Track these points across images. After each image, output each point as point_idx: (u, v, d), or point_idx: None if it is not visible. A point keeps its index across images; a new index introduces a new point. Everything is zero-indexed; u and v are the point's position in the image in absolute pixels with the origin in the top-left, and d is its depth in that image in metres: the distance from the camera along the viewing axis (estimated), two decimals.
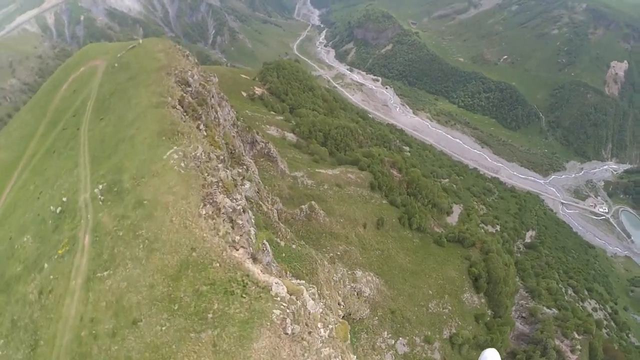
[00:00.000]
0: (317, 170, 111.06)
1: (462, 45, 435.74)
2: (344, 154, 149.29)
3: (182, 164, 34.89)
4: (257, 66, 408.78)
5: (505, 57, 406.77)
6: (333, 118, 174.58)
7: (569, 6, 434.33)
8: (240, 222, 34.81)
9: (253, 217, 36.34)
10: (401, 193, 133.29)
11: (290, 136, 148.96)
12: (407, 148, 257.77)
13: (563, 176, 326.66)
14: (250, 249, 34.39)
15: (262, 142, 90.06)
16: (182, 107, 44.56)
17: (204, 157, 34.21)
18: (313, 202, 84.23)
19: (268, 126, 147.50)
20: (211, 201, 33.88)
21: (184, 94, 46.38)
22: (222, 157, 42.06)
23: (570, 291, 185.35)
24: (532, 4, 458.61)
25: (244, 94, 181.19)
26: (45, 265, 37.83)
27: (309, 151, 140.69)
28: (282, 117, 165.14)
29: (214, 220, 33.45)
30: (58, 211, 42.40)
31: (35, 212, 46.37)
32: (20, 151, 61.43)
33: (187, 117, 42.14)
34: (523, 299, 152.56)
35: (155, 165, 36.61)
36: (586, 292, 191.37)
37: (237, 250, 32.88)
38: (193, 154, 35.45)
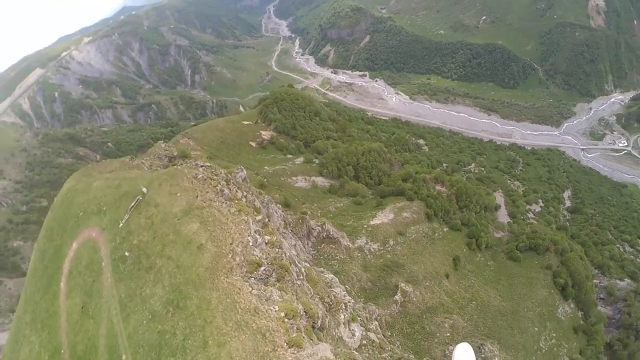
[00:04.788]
0: (371, 222, 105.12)
1: (438, 17, 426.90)
2: (381, 183, 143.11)
3: None
4: (241, 94, 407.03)
5: (484, 17, 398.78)
6: (354, 144, 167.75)
7: None
8: None
9: None
10: (455, 211, 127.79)
11: (321, 181, 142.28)
12: (422, 142, 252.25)
13: (575, 121, 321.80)
14: None
15: (318, 226, 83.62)
16: None
17: None
18: (402, 286, 78.13)
19: (294, 178, 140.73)
20: None
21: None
22: None
23: (627, 247, 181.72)
24: None
25: (253, 144, 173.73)
26: None
27: (346, 193, 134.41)
28: (302, 159, 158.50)
29: None
30: None
31: None
32: None
33: None
34: (595, 278, 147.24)
35: None
36: None
37: None
38: None
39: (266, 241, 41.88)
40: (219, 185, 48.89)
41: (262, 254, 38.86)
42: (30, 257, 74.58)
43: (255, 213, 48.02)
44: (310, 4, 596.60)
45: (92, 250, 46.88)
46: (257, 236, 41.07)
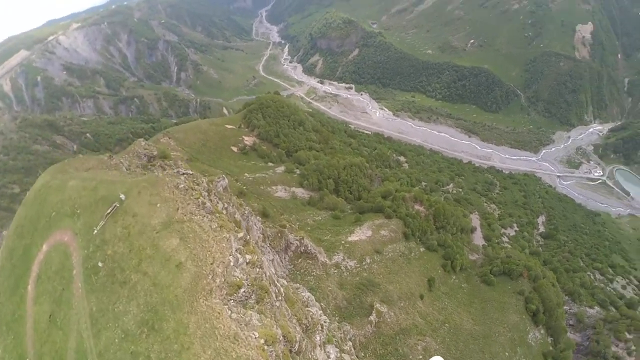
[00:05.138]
0: (349, 238, 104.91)
1: (427, 36, 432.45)
2: (361, 199, 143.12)
3: None
4: (226, 96, 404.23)
5: (472, 41, 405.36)
6: (336, 157, 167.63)
7: None
8: None
9: None
10: (432, 232, 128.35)
11: (300, 192, 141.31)
12: (403, 159, 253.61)
13: (553, 149, 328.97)
14: None
15: (297, 240, 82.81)
16: None
17: None
18: (377, 306, 77.77)
19: (274, 187, 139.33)
20: None
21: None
22: None
23: (597, 275, 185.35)
24: None
25: (235, 149, 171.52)
26: None
27: (325, 206, 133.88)
28: (283, 169, 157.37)
29: None
30: None
31: None
32: None
33: None
34: (566, 305, 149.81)
35: None
36: (611, 271, 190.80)
37: None
38: None
39: (247, 261, 40.47)
40: (201, 198, 46.81)
41: (243, 274, 37.53)
42: None
43: (236, 229, 46.69)
44: (303, 12, 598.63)
45: (64, 255, 43.96)
46: (238, 255, 39.68)
